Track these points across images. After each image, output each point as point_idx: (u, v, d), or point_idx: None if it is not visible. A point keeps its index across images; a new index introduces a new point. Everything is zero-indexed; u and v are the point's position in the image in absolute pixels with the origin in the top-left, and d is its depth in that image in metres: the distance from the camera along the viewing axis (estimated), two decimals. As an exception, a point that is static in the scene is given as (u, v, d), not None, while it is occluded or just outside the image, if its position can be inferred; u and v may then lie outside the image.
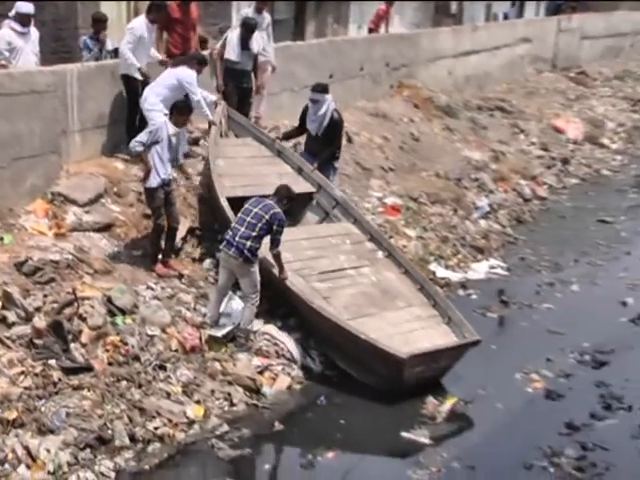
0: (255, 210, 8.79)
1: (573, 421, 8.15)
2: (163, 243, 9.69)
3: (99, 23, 11.68)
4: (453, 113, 18.10)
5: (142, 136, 9.22)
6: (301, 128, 11.72)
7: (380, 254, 10.38)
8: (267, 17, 12.97)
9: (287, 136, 12.02)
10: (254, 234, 8.68)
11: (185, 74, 10.42)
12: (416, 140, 16.09)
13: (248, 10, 13.00)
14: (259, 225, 8.69)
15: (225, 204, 9.89)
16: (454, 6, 28.56)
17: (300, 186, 10.82)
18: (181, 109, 9.47)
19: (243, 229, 8.72)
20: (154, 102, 10.37)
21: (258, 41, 12.19)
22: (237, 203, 9.42)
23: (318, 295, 9.27)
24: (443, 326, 9.29)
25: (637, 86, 26.86)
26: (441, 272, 11.76)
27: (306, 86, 13.47)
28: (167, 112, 9.84)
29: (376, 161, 14.49)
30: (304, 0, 20.79)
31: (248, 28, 11.96)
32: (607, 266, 12.91)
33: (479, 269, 12.35)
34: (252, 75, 12.39)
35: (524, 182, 16.30)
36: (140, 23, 10.94)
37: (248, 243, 8.65)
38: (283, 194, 9.08)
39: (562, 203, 16.28)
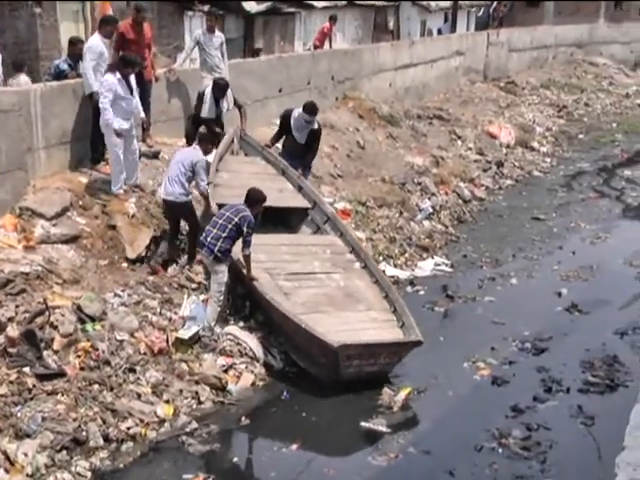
0: (227, 214, 8.94)
1: (518, 404, 8.25)
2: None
3: (76, 46, 11.18)
4: (395, 122, 18.19)
5: (203, 176, 9.69)
6: (282, 132, 12.17)
7: (357, 265, 10.34)
8: (220, 36, 12.87)
9: (274, 141, 12.37)
10: (224, 235, 8.84)
11: (104, 80, 9.93)
12: (362, 148, 16.15)
13: (200, 31, 12.91)
14: (229, 227, 8.83)
15: (215, 208, 9.88)
16: (391, 23, 28.81)
17: (298, 202, 11.31)
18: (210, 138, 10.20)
19: (215, 231, 8.90)
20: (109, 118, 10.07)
21: (229, 99, 11.98)
22: None
23: (279, 291, 9.26)
24: (396, 329, 9.17)
25: (561, 93, 27.39)
26: (390, 271, 11.77)
27: (257, 99, 13.47)
28: (125, 127, 9.96)
29: (326, 168, 14.48)
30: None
31: (218, 88, 11.70)
32: (542, 260, 13.09)
33: (425, 267, 12.39)
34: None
35: (463, 184, 16.44)
36: (96, 40, 10.52)
37: (218, 244, 8.84)
38: (252, 197, 9.13)
39: (499, 203, 16.48)
